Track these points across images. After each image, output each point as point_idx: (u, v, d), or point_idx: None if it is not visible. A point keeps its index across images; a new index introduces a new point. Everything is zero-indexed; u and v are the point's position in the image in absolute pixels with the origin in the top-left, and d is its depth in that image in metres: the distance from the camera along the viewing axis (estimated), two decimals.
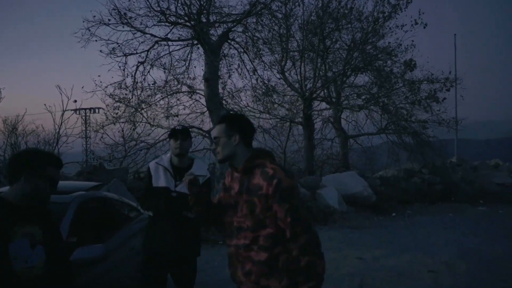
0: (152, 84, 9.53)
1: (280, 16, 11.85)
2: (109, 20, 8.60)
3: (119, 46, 8.76)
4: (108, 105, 10.06)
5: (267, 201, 1.98)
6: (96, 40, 8.73)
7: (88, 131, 20.90)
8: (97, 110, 25.48)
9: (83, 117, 25.74)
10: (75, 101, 11.15)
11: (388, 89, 13.18)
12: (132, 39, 8.76)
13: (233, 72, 11.62)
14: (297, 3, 12.04)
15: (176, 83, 10.14)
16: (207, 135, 10.32)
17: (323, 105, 15.56)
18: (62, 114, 9.41)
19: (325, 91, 15.01)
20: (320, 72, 13.82)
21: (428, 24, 12.16)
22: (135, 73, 9.26)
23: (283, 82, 13.89)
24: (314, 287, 1.94)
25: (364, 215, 10.13)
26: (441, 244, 7.09)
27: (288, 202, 1.97)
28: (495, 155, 23.32)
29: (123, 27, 8.68)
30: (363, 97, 14.01)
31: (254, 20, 10.65)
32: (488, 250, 6.65)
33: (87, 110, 26.98)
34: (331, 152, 15.84)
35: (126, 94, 9.52)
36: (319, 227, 8.18)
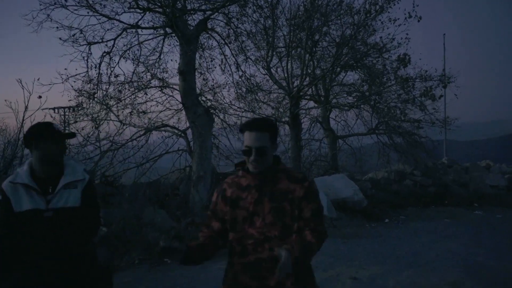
0: (115, 76, 8.51)
1: (265, 7, 11.01)
2: (66, 0, 7.56)
3: (82, 33, 7.77)
4: (70, 100, 9.04)
5: (299, 205, 1.97)
6: (57, 28, 7.74)
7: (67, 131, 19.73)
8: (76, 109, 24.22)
9: (62, 116, 24.55)
10: (40, 96, 9.99)
11: (379, 87, 12.44)
12: (96, 24, 7.81)
13: (215, 67, 10.73)
14: None
15: (147, 76, 9.19)
16: (182, 134, 9.39)
17: (311, 104, 14.83)
18: (24, 112, 8.35)
19: (313, 89, 14.25)
20: (308, 69, 13.06)
21: (422, 18, 11.43)
22: (99, 64, 8.29)
23: (269, 79, 13.11)
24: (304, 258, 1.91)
25: (355, 222, 9.33)
26: (444, 258, 6.31)
27: (316, 203, 2.02)
28: (482, 156, 23.01)
29: (88, 12, 7.71)
30: (353, 94, 13.23)
31: (237, 10, 9.75)
32: (497, 265, 5.89)
33: (66, 109, 25.78)
34: (320, 153, 15.06)
35: (92, 88, 8.52)
36: None
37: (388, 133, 13.88)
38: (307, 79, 13.23)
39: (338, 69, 13.20)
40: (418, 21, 11.16)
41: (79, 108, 9.46)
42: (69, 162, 2.53)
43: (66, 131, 10.24)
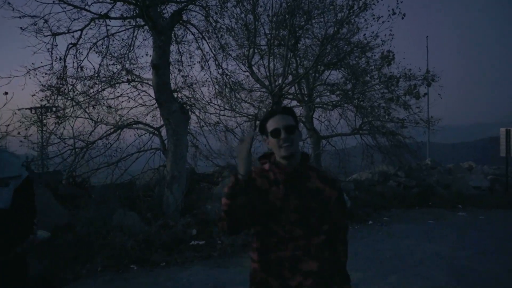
0: (81, 69, 7.93)
1: (246, 1, 10.62)
2: None
3: (46, 23, 7.22)
4: (34, 95, 8.43)
5: (327, 206, 1.91)
6: (20, 17, 7.19)
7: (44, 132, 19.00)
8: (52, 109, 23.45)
9: (39, 116, 23.69)
10: (6, 93, 9.35)
11: (363, 86, 12.17)
12: (60, 12, 7.27)
13: (194, 64, 10.28)
14: None
15: (118, 70, 8.66)
16: (156, 132, 8.90)
17: (294, 103, 14.49)
18: None
19: (296, 87, 13.92)
20: (291, 68, 12.73)
21: (406, 15, 11.18)
22: (65, 56, 7.75)
23: (251, 78, 12.73)
24: None
25: None
26: (428, 261, 5.99)
27: (345, 206, 2.02)
28: (464, 158, 23.06)
29: (54, 1, 7.16)
30: (337, 92, 12.93)
31: (216, 3, 9.32)
32: (483, 268, 5.60)
33: (43, 108, 24.88)
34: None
35: (58, 83, 7.95)
36: None
37: (372, 133, 13.63)
38: (290, 77, 12.90)
39: (322, 67, 12.91)
40: (402, 18, 10.90)
41: (54, 108, 8.89)
42: (1, 155, 2.11)
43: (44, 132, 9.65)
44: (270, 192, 1.89)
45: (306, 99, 13.91)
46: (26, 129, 7.89)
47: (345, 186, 11.46)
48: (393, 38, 11.02)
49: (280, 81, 12.38)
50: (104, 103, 8.78)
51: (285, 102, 13.86)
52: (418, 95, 11.06)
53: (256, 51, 12.18)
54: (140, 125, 9.08)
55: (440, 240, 7.55)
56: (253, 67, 12.39)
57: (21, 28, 7.20)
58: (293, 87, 13.68)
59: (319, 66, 12.58)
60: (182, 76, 10.48)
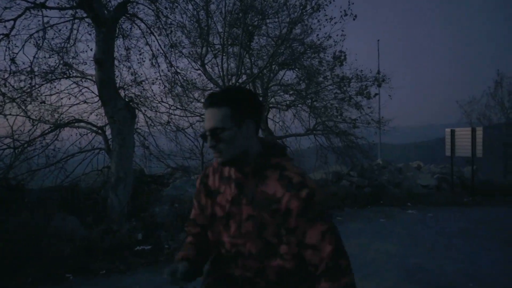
0: (12, 61, 7.24)
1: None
2: None
3: None
4: None
5: (285, 221, 1.38)
6: None
7: None
8: None
9: None
10: None
11: (316, 86, 12.21)
12: None
13: (144, 61, 9.82)
14: None
15: (56, 63, 8.04)
16: (99, 131, 8.37)
17: None
18: None
19: (250, 87, 13.76)
20: (245, 67, 12.55)
21: (357, 16, 11.32)
22: None
23: (204, 76, 12.42)
24: None
25: None
26: (380, 261, 5.96)
27: (327, 222, 1.40)
28: (413, 158, 23.97)
29: None
30: (290, 92, 12.90)
31: None
32: (433, 267, 5.63)
33: None
34: None
35: None
36: None
37: (325, 134, 13.74)
38: (244, 77, 12.72)
39: (276, 67, 12.84)
40: (354, 19, 11.04)
41: None
42: None
43: None
44: (220, 192, 1.54)
45: (261, 99, 13.80)
46: None
47: None
48: (344, 38, 11.13)
49: (234, 80, 12.18)
50: (39, 100, 8.12)
51: None
52: (369, 95, 11.24)
53: (209, 49, 11.90)
54: (82, 124, 8.50)
55: (391, 238, 7.61)
56: (206, 65, 12.10)
57: None
58: (247, 87, 13.51)
59: (273, 66, 12.50)
60: (132, 74, 10.01)
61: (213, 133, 1.41)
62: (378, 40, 25.39)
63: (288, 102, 13.09)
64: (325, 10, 11.29)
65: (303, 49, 12.50)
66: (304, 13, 11.06)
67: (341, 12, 11.03)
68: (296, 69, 13.36)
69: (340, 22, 11.08)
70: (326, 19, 11.50)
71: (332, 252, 1.37)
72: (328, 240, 1.37)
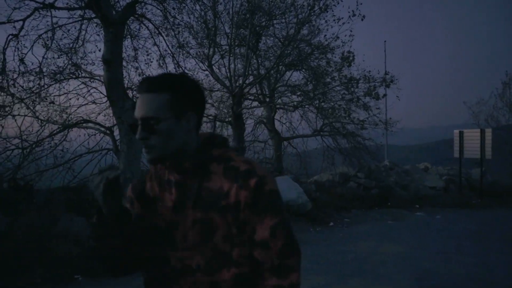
0: (21, 62, 7.25)
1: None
2: None
3: None
4: None
5: (237, 217, 1.19)
6: None
7: None
8: None
9: None
10: None
11: (323, 87, 12.15)
12: None
13: (152, 61, 9.82)
14: None
15: (64, 64, 8.05)
16: (107, 132, 8.37)
17: (255, 104, 14.32)
18: None
19: (257, 88, 13.75)
20: (252, 68, 12.54)
21: (365, 16, 11.26)
22: (4, 48, 7.06)
23: (211, 77, 12.44)
24: None
25: (299, 226, 8.79)
26: (390, 263, 5.90)
27: (277, 215, 1.21)
28: (418, 160, 23.83)
29: None
30: (298, 93, 12.86)
31: None
32: (445, 271, 5.56)
33: None
34: (264, 155, 14.56)
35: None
36: None
37: (332, 135, 13.69)
38: (251, 78, 12.71)
39: (283, 68, 12.81)
40: (362, 19, 10.98)
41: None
42: None
43: None
44: (160, 199, 1.29)
45: (268, 99, 13.77)
46: None
47: (306, 187, 11.34)
48: (353, 39, 11.06)
49: (241, 81, 12.17)
50: (46, 100, 8.12)
51: (246, 102, 13.67)
52: (378, 96, 11.16)
53: (216, 50, 11.90)
54: (90, 124, 8.51)
55: (400, 241, 7.54)
56: (213, 66, 12.10)
57: None
58: (254, 88, 13.49)
59: (280, 67, 12.47)
60: (139, 74, 10.01)
61: (145, 123, 1.18)
62: (385, 41, 25.24)
63: (295, 103, 13.03)
64: (332, 11, 11.26)
65: (310, 50, 12.45)
66: (312, 14, 11.01)
67: (349, 12, 10.96)
68: (303, 70, 13.33)
69: (348, 23, 11.03)
70: (334, 20, 11.46)
71: (282, 248, 1.21)
72: (278, 236, 1.21)
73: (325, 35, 11.93)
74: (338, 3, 11.18)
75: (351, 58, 11.02)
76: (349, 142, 13.81)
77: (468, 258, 6.21)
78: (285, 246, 1.22)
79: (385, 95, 11.60)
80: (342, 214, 10.69)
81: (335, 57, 12.41)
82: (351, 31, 10.94)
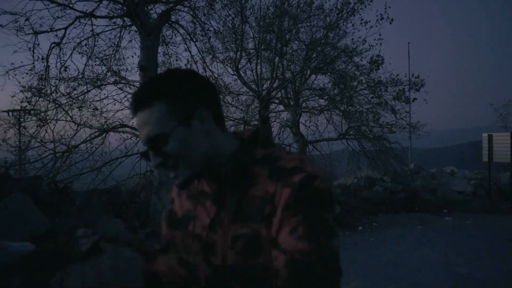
0: (65, 69, 7.55)
1: (234, 4, 10.47)
2: None
3: (27, 20, 6.87)
4: (13, 96, 8.02)
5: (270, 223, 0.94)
6: None
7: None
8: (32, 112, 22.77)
9: (18, 119, 22.97)
10: None
11: (350, 91, 12.14)
12: (42, 10, 6.88)
13: (180, 66, 10.04)
14: None
15: (103, 70, 8.33)
16: None
17: (281, 108, 14.44)
18: None
19: (283, 92, 13.83)
20: (278, 72, 12.64)
21: (393, 20, 11.22)
22: (47, 56, 7.38)
23: (238, 81, 12.61)
24: None
25: None
26: (425, 269, 5.89)
27: (313, 215, 0.90)
28: (443, 163, 23.45)
29: None
30: (325, 97, 12.89)
31: (204, 4, 9.13)
32: (482, 276, 5.53)
33: (21, 111, 24.10)
34: None
35: (40, 84, 7.58)
36: None
37: (358, 138, 13.65)
38: (277, 81, 12.81)
39: (308, 72, 12.86)
40: (390, 23, 10.94)
41: (32, 110, 8.49)
42: None
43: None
44: (192, 216, 1.08)
45: (293, 103, 13.83)
46: (4, 132, 7.49)
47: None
48: (382, 42, 11.03)
49: (267, 85, 12.28)
50: (89, 105, 8.43)
51: (272, 106, 13.78)
52: (408, 100, 11.10)
53: (243, 54, 12.05)
54: (126, 129, 8.75)
55: (432, 246, 7.50)
56: (240, 70, 12.25)
57: (0, 25, 6.84)
58: (280, 92, 13.59)
59: (305, 71, 12.52)
60: None
61: (153, 146, 0.98)
62: (409, 43, 24.89)
63: (321, 107, 13.06)
64: (360, 14, 11.26)
65: (336, 54, 12.47)
66: (340, 17, 11.04)
67: (377, 16, 10.94)
68: (328, 74, 13.34)
69: (376, 26, 10.99)
70: (361, 23, 11.46)
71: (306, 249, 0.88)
72: (309, 238, 0.89)
73: (352, 39, 11.93)
74: (366, 7, 11.19)
75: (380, 62, 11.00)
76: (375, 145, 13.73)
77: (503, 264, 6.15)
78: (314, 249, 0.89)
79: (415, 99, 11.51)
80: (370, 218, 10.66)
81: (362, 60, 12.40)
82: (380, 34, 10.91)
